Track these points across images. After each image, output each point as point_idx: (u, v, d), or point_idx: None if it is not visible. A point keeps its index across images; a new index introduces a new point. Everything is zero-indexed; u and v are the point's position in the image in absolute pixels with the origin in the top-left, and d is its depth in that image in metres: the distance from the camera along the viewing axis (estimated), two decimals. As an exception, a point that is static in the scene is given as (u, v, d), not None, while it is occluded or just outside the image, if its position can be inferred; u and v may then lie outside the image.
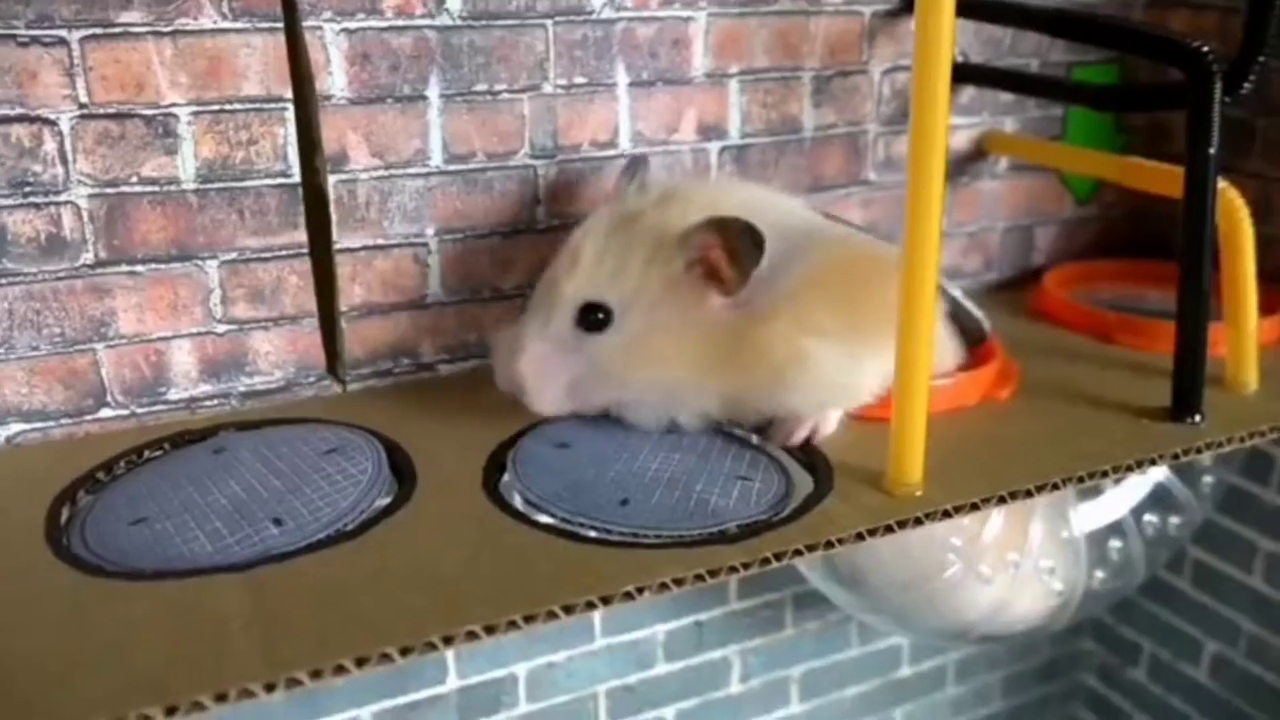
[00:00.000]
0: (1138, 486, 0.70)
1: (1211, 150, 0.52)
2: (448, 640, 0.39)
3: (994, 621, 0.68)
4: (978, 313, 0.61)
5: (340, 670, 0.37)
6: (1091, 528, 0.69)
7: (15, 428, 0.54)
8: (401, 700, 0.69)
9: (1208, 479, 0.71)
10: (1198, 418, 0.55)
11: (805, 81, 0.67)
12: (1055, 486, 0.50)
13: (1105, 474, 0.52)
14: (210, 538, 0.45)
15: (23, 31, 0.49)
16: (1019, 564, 0.66)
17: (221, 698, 0.36)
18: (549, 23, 0.59)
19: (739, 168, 0.66)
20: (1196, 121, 0.52)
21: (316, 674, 0.37)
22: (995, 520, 0.65)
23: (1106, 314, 0.68)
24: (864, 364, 0.51)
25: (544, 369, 0.52)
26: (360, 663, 0.37)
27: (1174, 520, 0.70)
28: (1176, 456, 0.54)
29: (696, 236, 0.50)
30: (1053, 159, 0.75)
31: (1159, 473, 0.70)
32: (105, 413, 0.55)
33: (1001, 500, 0.49)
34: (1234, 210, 0.57)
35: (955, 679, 0.90)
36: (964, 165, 0.75)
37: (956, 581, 0.65)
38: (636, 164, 0.58)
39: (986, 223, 0.77)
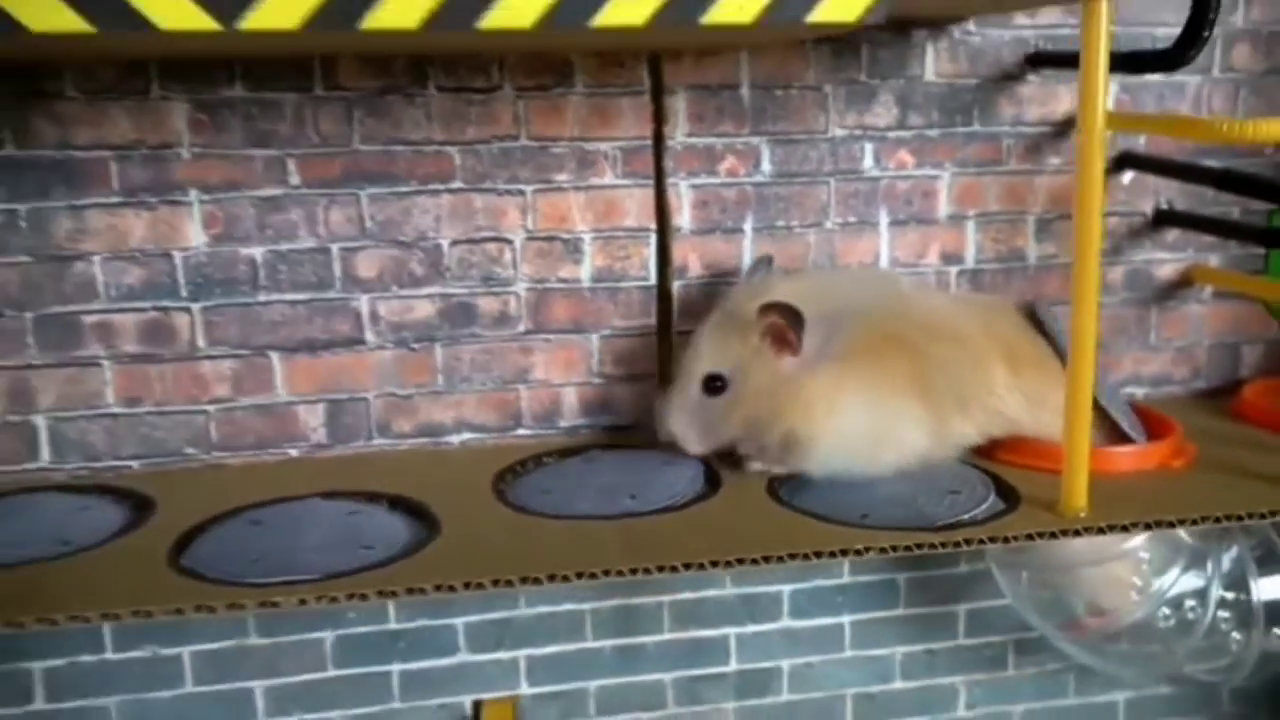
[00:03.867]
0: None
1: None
2: (715, 564, 0.61)
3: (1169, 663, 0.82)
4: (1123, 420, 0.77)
5: (644, 571, 0.61)
6: (1269, 596, 0.81)
7: (466, 435, 0.83)
8: (695, 672, 0.91)
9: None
10: (1339, 492, 0.70)
11: (1030, 222, 0.88)
12: (1195, 522, 0.67)
13: (1240, 519, 0.67)
14: (591, 503, 0.71)
15: (500, 186, 0.79)
16: (1199, 615, 0.80)
17: (591, 575, 0.60)
18: (832, 179, 0.84)
19: (974, 286, 0.87)
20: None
21: (633, 571, 0.61)
22: (1172, 575, 0.80)
23: (1288, 413, 0.83)
24: (884, 428, 0.71)
25: (686, 425, 0.74)
26: (662, 569, 0.61)
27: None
28: (1308, 514, 0.68)
29: (759, 316, 0.70)
30: (1249, 288, 0.90)
31: (1339, 554, 0.82)
32: (520, 431, 0.83)
33: (1147, 526, 0.66)
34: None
35: (1171, 744, 1.01)
36: (1171, 291, 0.91)
37: (1140, 623, 0.80)
38: (759, 262, 0.79)
39: (1194, 339, 0.93)
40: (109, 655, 0.82)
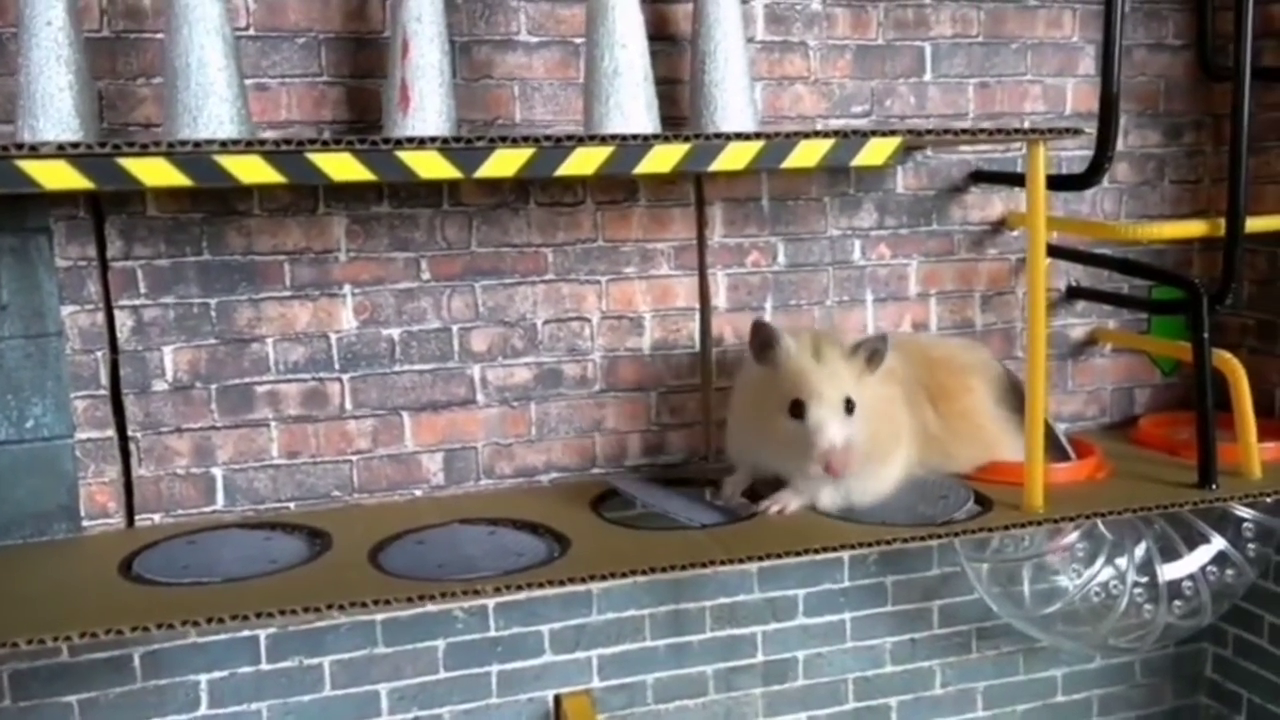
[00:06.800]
0: (1205, 550, 1.08)
1: (1205, 335, 0.95)
2: (781, 555, 0.84)
3: (1099, 634, 1.06)
4: (1064, 440, 1.02)
5: (712, 563, 0.83)
6: (1172, 576, 1.07)
7: (554, 475, 1.03)
8: (731, 664, 1.12)
9: (1251, 548, 1.08)
10: (1214, 486, 0.96)
11: (976, 298, 1.14)
12: (1117, 513, 0.92)
13: (1150, 509, 0.93)
14: (681, 510, 0.92)
15: (582, 277, 1.02)
16: (1121, 594, 1.05)
17: (703, 565, 0.82)
18: (830, 268, 1.09)
19: (937, 348, 1.12)
20: (1193, 321, 0.95)
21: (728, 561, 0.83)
22: (1099, 563, 1.05)
23: (1173, 439, 1.09)
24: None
25: (850, 447, 0.86)
26: (764, 556, 0.83)
27: (1229, 573, 1.08)
28: (1196, 504, 0.94)
29: (860, 346, 0.89)
30: (1139, 345, 1.18)
31: (1219, 543, 1.08)
32: (594, 470, 1.05)
33: (1086, 517, 0.91)
34: (1233, 370, 0.99)
35: (1099, 711, 1.25)
36: (1081, 349, 1.18)
37: (1077, 603, 1.05)
38: (766, 327, 0.92)
39: (1099, 385, 1.20)
40: (263, 666, 0.99)
